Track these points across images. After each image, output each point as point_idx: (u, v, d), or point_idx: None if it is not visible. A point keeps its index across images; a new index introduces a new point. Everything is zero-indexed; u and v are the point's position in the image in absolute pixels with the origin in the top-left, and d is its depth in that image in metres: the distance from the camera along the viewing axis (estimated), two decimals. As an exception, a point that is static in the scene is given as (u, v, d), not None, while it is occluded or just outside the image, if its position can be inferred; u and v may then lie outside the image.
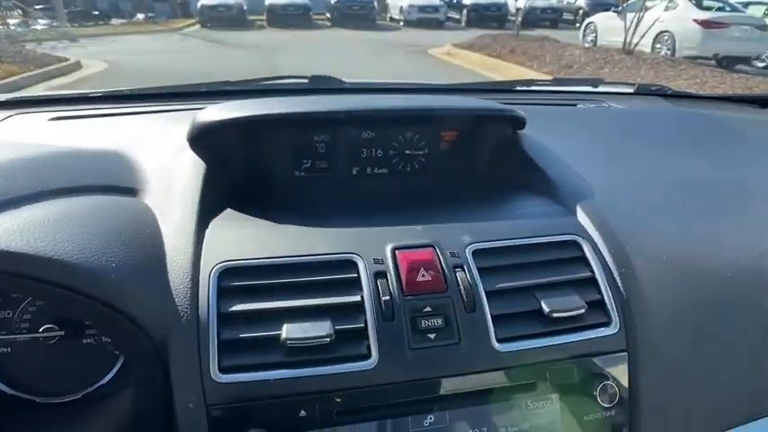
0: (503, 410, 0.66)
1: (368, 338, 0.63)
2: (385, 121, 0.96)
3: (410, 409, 0.63)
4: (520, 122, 0.95)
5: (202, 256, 0.66)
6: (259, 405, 0.60)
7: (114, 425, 0.64)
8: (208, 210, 0.74)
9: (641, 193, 0.90)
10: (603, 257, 0.75)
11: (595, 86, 1.63)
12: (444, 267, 0.69)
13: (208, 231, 0.70)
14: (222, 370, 0.60)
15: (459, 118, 1.00)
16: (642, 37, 8.77)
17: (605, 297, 0.72)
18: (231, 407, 0.59)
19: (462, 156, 1.00)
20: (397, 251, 0.69)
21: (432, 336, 0.65)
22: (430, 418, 0.64)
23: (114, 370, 0.69)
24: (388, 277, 0.67)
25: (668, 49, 9.63)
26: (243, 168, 0.91)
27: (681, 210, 0.88)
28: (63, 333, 0.68)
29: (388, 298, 0.65)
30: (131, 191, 0.76)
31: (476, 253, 0.71)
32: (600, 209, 0.80)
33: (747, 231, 0.87)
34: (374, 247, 0.70)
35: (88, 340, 0.69)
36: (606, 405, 0.67)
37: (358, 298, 0.65)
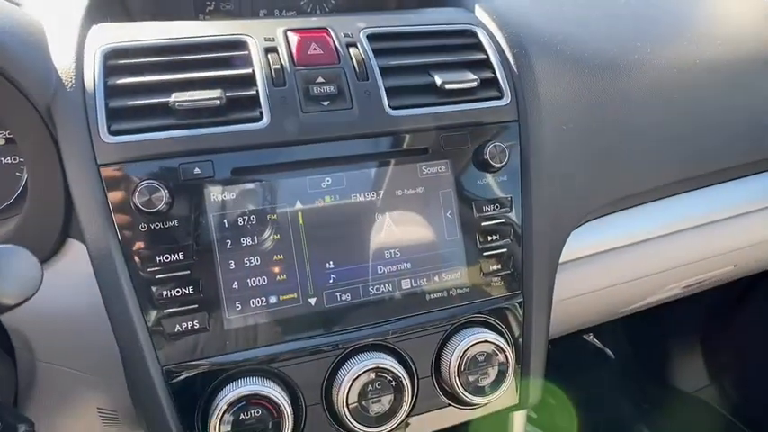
0: (399, 173, 0.68)
1: (260, 105, 0.64)
2: None
3: (307, 171, 0.65)
4: None
5: (87, 41, 0.65)
6: (152, 163, 0.60)
7: (19, 230, 0.64)
8: (96, 16, 0.72)
9: (541, 4, 0.93)
10: (498, 43, 0.77)
11: None
12: (337, 44, 0.69)
13: (95, 26, 0.69)
14: (112, 133, 0.60)
15: None
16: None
17: (498, 74, 0.74)
18: (122, 164, 0.59)
19: None
20: (288, 32, 0.69)
21: (325, 103, 0.66)
22: (327, 180, 0.65)
23: (18, 189, 0.67)
24: (279, 51, 0.67)
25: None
26: (143, 9, 0.89)
27: (580, 17, 0.91)
28: None
29: (278, 67, 0.65)
30: (15, 2, 0.73)
31: (370, 37, 0.72)
32: (498, 7, 0.82)
33: (637, 33, 0.91)
34: (266, 31, 0.70)
35: None
36: (497, 165, 0.70)
37: (249, 71, 0.65)
